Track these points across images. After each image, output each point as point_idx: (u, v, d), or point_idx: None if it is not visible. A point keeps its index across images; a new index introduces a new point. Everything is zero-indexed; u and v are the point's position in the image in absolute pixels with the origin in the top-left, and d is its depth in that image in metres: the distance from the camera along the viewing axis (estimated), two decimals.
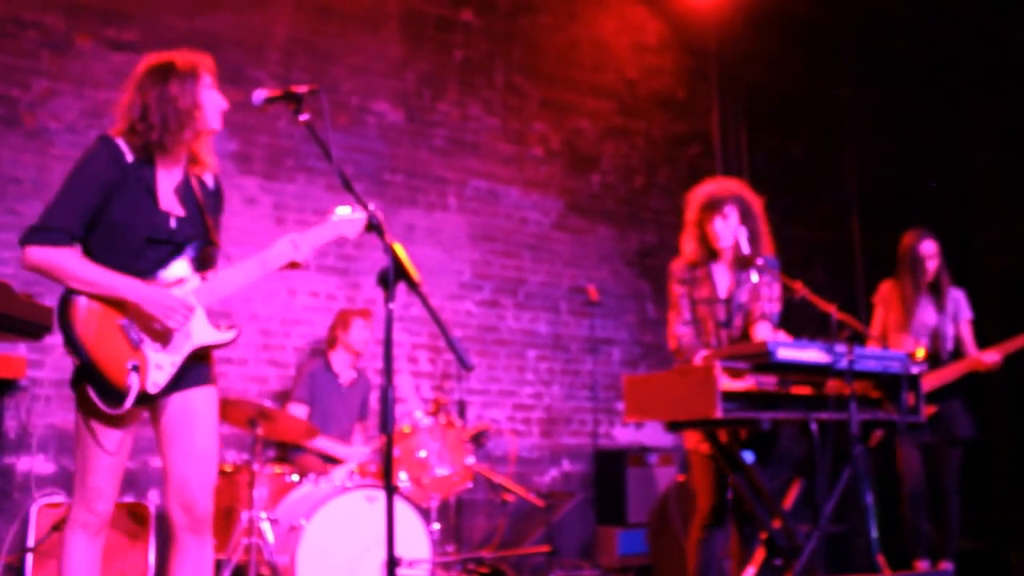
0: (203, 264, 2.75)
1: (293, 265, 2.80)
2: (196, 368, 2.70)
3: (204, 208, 2.76)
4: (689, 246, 3.90)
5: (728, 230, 3.79)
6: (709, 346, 3.77)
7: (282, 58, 5.66)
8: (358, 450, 4.76)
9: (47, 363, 4.82)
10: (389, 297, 2.39)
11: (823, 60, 7.68)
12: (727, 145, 7.36)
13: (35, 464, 4.74)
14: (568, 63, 6.84)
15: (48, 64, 4.99)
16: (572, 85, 6.84)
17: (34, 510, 4.37)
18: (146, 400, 2.60)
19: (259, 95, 2.70)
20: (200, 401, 2.70)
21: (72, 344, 2.52)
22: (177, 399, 2.66)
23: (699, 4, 7.12)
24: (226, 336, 2.74)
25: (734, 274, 3.86)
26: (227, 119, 2.97)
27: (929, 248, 4.92)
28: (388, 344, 2.36)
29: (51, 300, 4.66)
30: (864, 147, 7.65)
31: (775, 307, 3.84)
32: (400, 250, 2.44)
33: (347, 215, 2.87)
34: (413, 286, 2.42)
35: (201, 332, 2.68)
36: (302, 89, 2.66)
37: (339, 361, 5.02)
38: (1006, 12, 7.11)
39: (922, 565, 4.71)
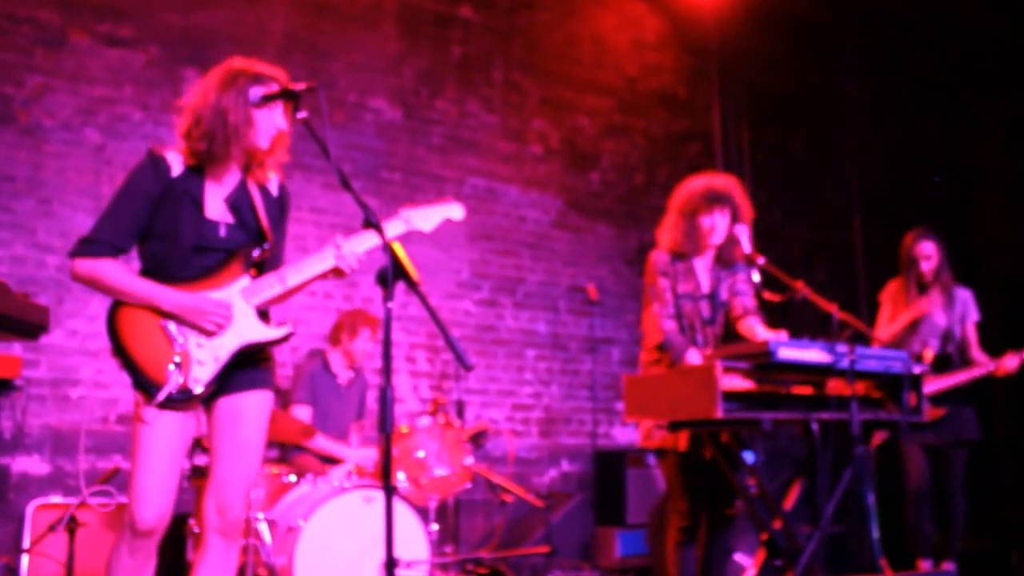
0: (261, 268, 2.76)
1: (337, 272, 2.76)
2: (251, 371, 2.73)
3: (263, 214, 2.77)
4: (675, 236, 3.79)
5: (722, 227, 3.76)
6: (695, 343, 3.73)
7: (279, 55, 5.61)
8: (360, 452, 4.73)
9: (43, 363, 4.79)
10: (388, 296, 2.37)
11: (824, 58, 7.66)
12: (728, 143, 7.33)
13: (30, 464, 4.71)
14: (567, 60, 6.82)
15: (42, 60, 4.96)
16: (571, 82, 6.81)
17: (30, 511, 4.34)
18: (193, 399, 2.61)
19: (256, 92, 2.68)
20: (250, 406, 2.71)
21: (117, 350, 2.60)
22: (227, 402, 2.69)
23: (699, 1, 7.10)
24: (276, 333, 2.72)
25: (713, 271, 3.83)
26: None
27: (924, 249, 4.90)
28: (387, 344, 2.34)
29: (47, 300, 4.65)
30: (865, 146, 7.63)
31: (755, 302, 3.82)
32: (399, 249, 2.42)
33: (414, 214, 2.88)
34: (412, 285, 2.40)
35: (247, 330, 2.68)
36: (299, 86, 2.64)
37: (337, 361, 4.98)
38: (1007, 12, 7.09)
39: (925, 565, 4.69)
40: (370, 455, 4.66)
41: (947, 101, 8.18)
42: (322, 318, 5.47)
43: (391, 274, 2.39)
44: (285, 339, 2.74)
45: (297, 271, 2.73)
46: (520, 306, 6.38)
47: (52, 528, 3.91)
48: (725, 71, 7.39)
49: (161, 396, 2.56)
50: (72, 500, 4.06)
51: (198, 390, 2.60)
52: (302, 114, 2.62)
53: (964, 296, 4.95)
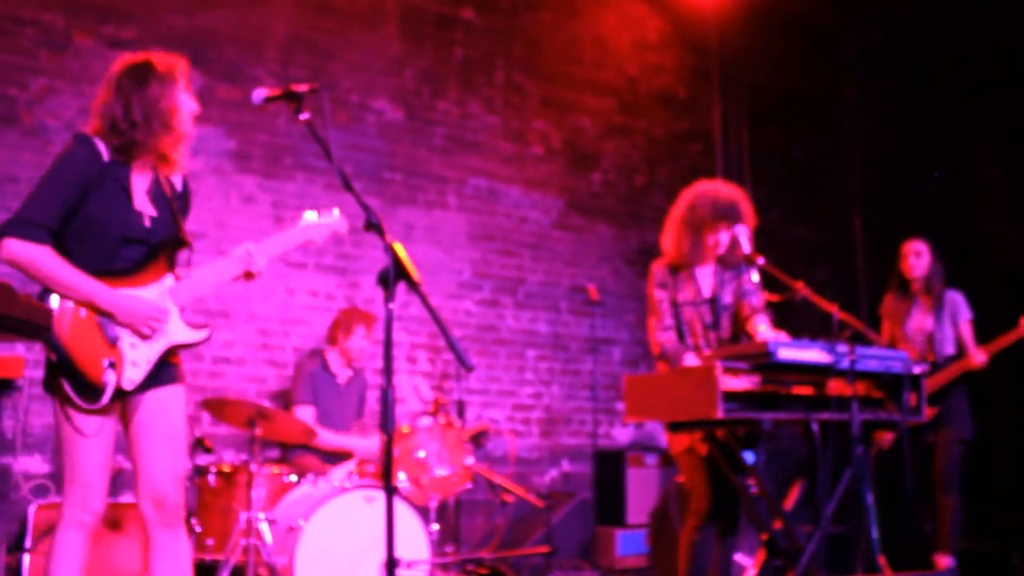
0: (177, 264, 2.80)
1: (248, 275, 2.83)
2: (167, 367, 2.74)
3: (175, 209, 2.80)
4: (679, 249, 3.75)
5: (727, 241, 3.74)
6: (697, 348, 3.72)
7: (281, 55, 5.63)
8: (365, 441, 4.77)
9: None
10: (389, 297, 2.38)
11: (825, 58, 7.66)
12: (728, 143, 7.34)
13: (32, 464, 4.72)
14: (569, 61, 6.82)
15: (46, 62, 4.97)
16: (573, 83, 6.82)
17: (31, 510, 4.35)
18: (120, 396, 2.63)
19: (259, 94, 2.70)
20: (170, 399, 2.73)
21: (53, 346, 2.53)
22: (149, 397, 2.70)
23: (700, 1, 7.10)
24: (199, 336, 2.79)
25: (716, 275, 3.82)
26: (226, 117, 2.98)
27: (912, 246, 4.95)
28: (388, 344, 2.35)
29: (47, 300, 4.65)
30: (866, 145, 7.64)
31: (762, 300, 3.81)
32: (400, 249, 2.43)
33: (314, 220, 2.94)
34: (413, 285, 2.41)
35: (175, 332, 2.73)
36: (302, 88, 2.65)
37: (335, 360, 5.00)
38: (1006, 12, 7.10)
39: (945, 561, 4.72)
40: (375, 444, 4.69)
41: (947, 101, 8.18)
42: (324, 319, 5.48)
43: (392, 275, 2.40)
44: (204, 342, 2.80)
45: (213, 275, 2.80)
46: (521, 306, 6.38)
47: (53, 528, 3.92)
48: (726, 71, 7.39)
49: (106, 399, 2.56)
50: None
51: (129, 389, 2.62)
52: (304, 115, 2.64)
53: (954, 298, 4.98)
